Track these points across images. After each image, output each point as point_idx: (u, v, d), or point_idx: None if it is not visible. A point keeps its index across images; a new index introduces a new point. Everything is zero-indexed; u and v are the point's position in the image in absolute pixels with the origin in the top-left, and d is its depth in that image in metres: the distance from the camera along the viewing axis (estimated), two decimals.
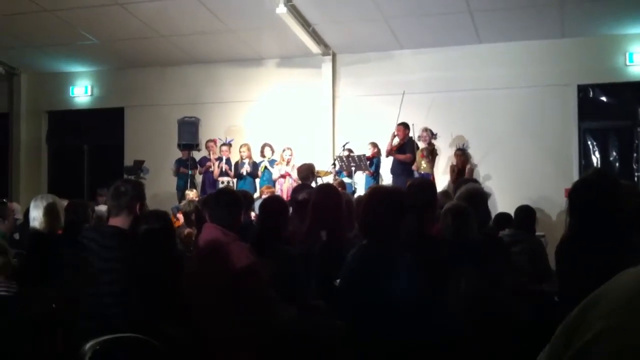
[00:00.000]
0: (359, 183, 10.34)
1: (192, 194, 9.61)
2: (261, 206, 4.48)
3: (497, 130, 10.59)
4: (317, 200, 4.42)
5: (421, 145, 10.32)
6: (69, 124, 13.23)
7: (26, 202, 7.70)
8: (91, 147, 12.59)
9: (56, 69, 12.99)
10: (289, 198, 7.58)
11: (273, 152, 10.98)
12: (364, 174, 10.34)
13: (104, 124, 13.07)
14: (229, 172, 10.93)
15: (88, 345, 2.39)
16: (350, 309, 3.16)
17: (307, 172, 7.82)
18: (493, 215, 5.80)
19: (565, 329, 0.99)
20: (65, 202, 5.32)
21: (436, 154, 10.40)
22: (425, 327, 2.93)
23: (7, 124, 13.33)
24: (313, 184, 9.76)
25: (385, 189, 3.76)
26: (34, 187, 12.66)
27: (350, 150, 10.38)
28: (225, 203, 3.73)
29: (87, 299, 3.46)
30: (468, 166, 10.34)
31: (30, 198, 5.72)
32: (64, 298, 3.66)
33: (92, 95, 13.11)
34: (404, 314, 2.91)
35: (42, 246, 4.57)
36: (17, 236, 6.10)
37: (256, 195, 10.09)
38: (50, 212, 4.71)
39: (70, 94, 13.17)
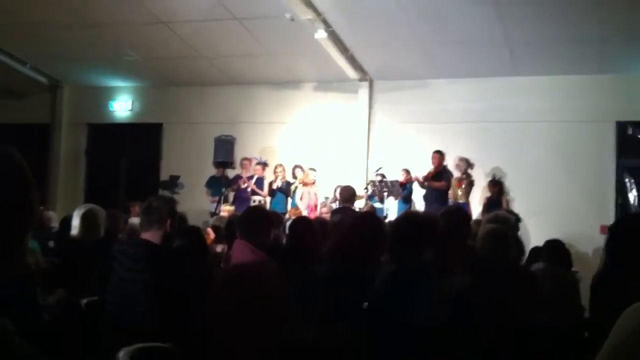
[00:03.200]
0: (391, 209, 10.32)
1: (225, 210, 9.66)
2: (290, 227, 4.53)
3: (534, 163, 10.48)
4: (343, 224, 4.44)
5: (456, 174, 10.28)
6: (108, 137, 13.49)
7: (63, 212, 7.86)
8: (128, 160, 12.84)
9: (98, 83, 13.26)
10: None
11: (304, 173, 11.00)
12: (396, 199, 10.31)
13: (142, 139, 13.29)
14: (259, 191, 10.99)
15: (123, 352, 2.44)
16: (376, 334, 3.15)
17: (348, 194, 7.86)
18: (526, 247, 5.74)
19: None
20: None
21: (473, 184, 10.33)
22: (448, 353, 2.91)
23: (48, 134, 13.64)
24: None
25: (418, 215, 3.75)
26: (71, 197, 12.87)
27: (383, 176, 10.39)
28: (255, 221, 3.78)
29: (115, 308, 3.53)
30: (504, 198, 10.24)
31: (67, 208, 5.86)
32: (93, 306, 3.73)
33: (131, 110, 13.33)
34: (427, 340, 2.89)
35: (75, 254, 4.65)
36: (51, 244, 6.20)
37: (287, 216, 10.13)
38: (85, 220, 4.79)
39: (110, 108, 13.42)
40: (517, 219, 5.47)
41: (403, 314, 3.05)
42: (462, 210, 5.47)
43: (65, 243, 5.15)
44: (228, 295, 3.44)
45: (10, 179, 0.99)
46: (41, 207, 7.78)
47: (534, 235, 9.11)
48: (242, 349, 3.18)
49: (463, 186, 10.05)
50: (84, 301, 3.80)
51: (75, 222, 4.89)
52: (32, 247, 5.48)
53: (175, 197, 10.46)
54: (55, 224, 7.14)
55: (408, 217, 3.71)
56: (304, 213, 10.09)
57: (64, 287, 4.25)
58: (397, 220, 3.96)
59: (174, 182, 11.49)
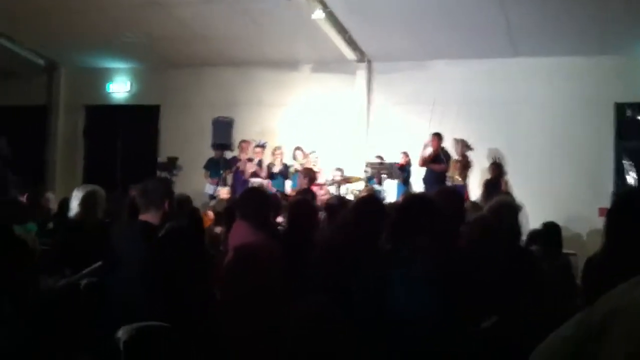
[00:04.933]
0: (389, 191, 10.31)
1: (223, 192, 9.67)
2: (289, 208, 4.52)
3: (532, 145, 10.48)
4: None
5: (454, 156, 10.26)
6: (105, 119, 13.45)
7: (61, 193, 7.83)
8: (127, 142, 12.80)
9: (95, 65, 13.21)
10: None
11: (305, 155, 11.00)
12: (394, 181, 10.31)
13: (140, 121, 13.26)
14: (260, 173, 10.97)
15: (122, 331, 2.47)
16: (366, 314, 3.16)
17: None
18: (525, 229, 5.73)
19: (580, 333, 0.99)
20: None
21: (470, 166, 10.31)
22: (438, 338, 2.92)
23: (46, 116, 13.60)
24: (342, 189, 9.85)
25: (424, 198, 3.74)
26: (69, 179, 12.85)
27: (381, 158, 10.38)
28: (255, 201, 3.77)
29: (114, 288, 3.54)
30: (503, 179, 10.21)
31: (65, 189, 5.83)
32: (92, 286, 3.73)
33: (129, 92, 13.29)
34: (416, 325, 2.90)
35: (74, 236, 4.64)
36: (50, 225, 6.20)
37: None
38: (84, 202, 4.78)
39: (107, 90, 13.38)
40: None
41: (392, 296, 3.06)
42: (457, 191, 5.47)
43: (63, 225, 5.14)
44: (234, 274, 3.46)
45: None
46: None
47: (532, 217, 9.09)
48: (244, 326, 3.20)
49: (460, 168, 10.03)
50: (83, 282, 3.80)
51: (74, 204, 4.87)
52: (29, 229, 5.50)
53: (174, 179, 10.47)
54: (53, 206, 7.14)
55: (414, 198, 3.71)
56: None
57: (63, 269, 4.25)
58: (403, 201, 3.95)
59: (172, 164, 11.47)
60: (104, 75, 13.38)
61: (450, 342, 2.99)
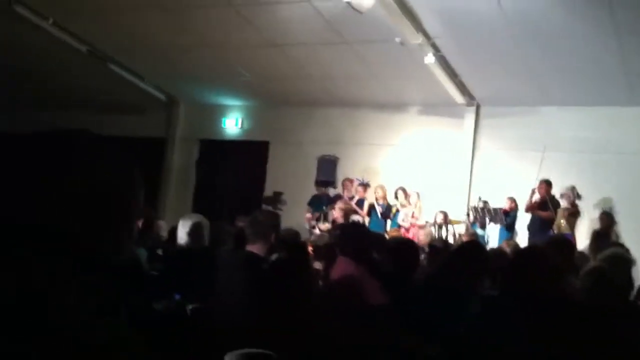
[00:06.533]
0: (492, 235, 10.11)
1: (324, 228, 9.81)
2: (392, 248, 4.55)
3: None
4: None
5: (563, 204, 9.94)
6: (217, 152, 14.02)
7: (172, 221, 8.17)
8: (235, 175, 13.26)
9: (211, 101, 13.85)
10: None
11: (407, 196, 10.99)
12: (497, 225, 10.10)
13: (250, 155, 13.71)
14: (359, 211, 11.05)
15: (229, 357, 2.57)
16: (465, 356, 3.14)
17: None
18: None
19: None
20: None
21: (578, 215, 9.94)
22: None
23: (163, 148, 14.35)
24: (443, 231, 9.78)
25: (532, 250, 3.72)
26: (180, 207, 13.41)
27: (485, 202, 10.21)
28: (355, 236, 3.83)
29: (219, 316, 3.68)
30: (612, 230, 9.77)
31: (176, 217, 6.08)
32: (199, 312, 3.89)
33: (241, 128, 13.81)
34: None
35: (182, 262, 4.85)
36: (160, 251, 6.46)
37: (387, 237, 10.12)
38: (194, 231, 5.00)
39: (222, 125, 13.96)
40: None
41: (499, 344, 3.02)
42: (567, 241, 5.31)
43: (173, 251, 5.39)
44: (328, 307, 3.53)
45: (124, 170, 1.14)
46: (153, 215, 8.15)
47: None
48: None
49: (565, 217, 9.70)
50: (190, 307, 3.96)
51: (182, 232, 5.10)
52: (140, 253, 5.78)
53: (278, 213, 10.72)
54: (164, 233, 7.45)
55: (525, 252, 3.70)
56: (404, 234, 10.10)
57: (171, 295, 4.44)
58: (514, 254, 3.94)
59: (277, 198, 11.75)
60: (219, 112, 13.97)
61: None
